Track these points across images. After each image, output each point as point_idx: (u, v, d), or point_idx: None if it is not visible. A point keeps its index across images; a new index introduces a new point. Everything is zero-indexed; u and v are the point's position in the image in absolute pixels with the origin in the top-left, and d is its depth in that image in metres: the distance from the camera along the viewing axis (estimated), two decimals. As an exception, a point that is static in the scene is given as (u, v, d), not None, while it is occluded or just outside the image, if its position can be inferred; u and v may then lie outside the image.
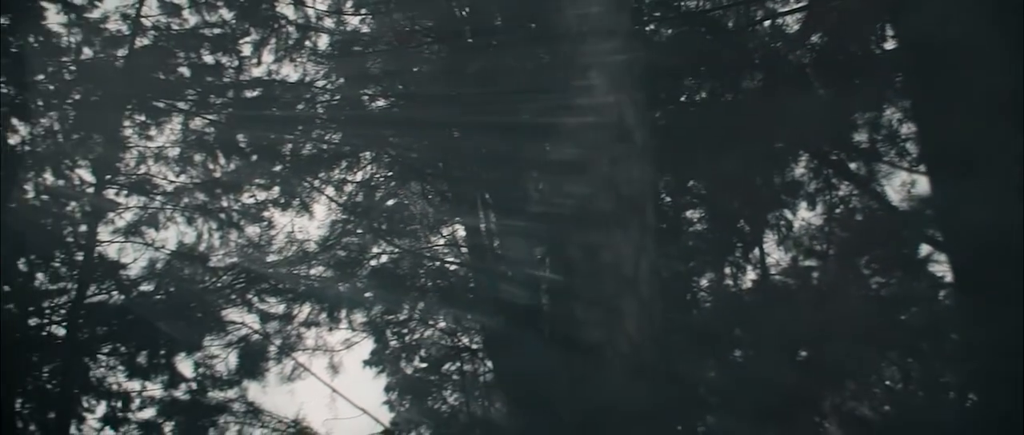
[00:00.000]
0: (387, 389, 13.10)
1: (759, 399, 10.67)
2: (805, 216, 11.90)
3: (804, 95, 11.00)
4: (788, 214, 11.78)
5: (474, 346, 12.71)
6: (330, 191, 12.41)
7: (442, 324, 12.82)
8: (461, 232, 12.80)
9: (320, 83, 12.26)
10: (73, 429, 12.05)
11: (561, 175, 12.39)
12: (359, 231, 12.55)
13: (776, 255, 11.99)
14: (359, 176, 12.41)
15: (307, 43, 12.41)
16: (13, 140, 12.61)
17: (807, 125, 10.66)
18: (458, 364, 12.75)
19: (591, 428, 10.21)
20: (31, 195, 12.54)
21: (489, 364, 12.75)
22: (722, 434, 11.28)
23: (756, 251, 12.31)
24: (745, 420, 10.72)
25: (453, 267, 12.67)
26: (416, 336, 12.98)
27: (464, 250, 12.89)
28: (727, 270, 12.15)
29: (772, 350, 10.99)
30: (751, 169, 11.50)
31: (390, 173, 12.48)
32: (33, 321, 12.49)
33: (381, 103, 12.57)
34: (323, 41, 12.45)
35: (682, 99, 12.09)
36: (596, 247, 11.37)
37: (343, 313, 12.44)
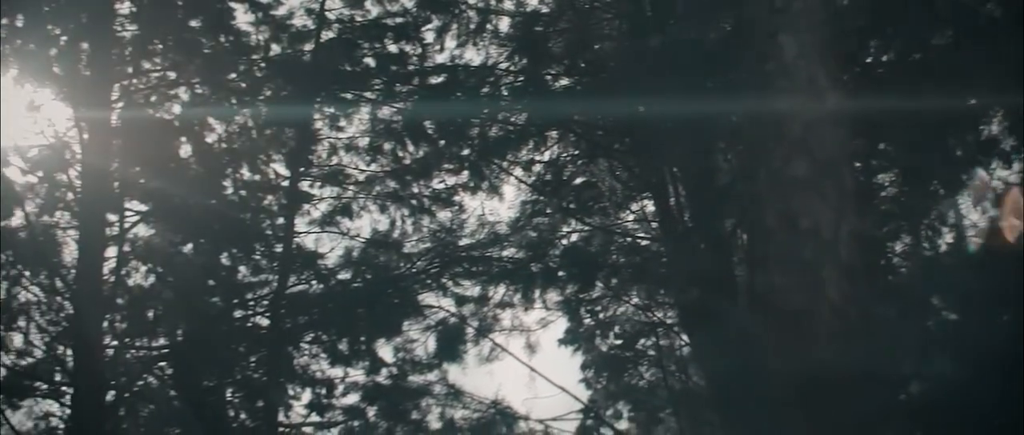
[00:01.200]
0: (583, 367, 13.05)
1: (962, 363, 10.80)
2: (1002, 175, 12.06)
3: (996, 49, 11.17)
4: (983, 173, 11.96)
5: (669, 320, 12.81)
6: (518, 172, 12.85)
7: (635, 300, 12.97)
8: (651, 207, 13.18)
9: (503, 65, 12.67)
10: (281, 416, 12.65)
11: (753, 142, 12.70)
12: (549, 211, 12.82)
13: (973, 216, 12.17)
14: (546, 155, 12.76)
15: (488, 26, 12.75)
16: (210, 138, 13.36)
17: (1000, 80, 10.83)
18: (653, 339, 12.84)
19: (799, 397, 10.37)
20: (230, 191, 13.24)
21: (685, 338, 13.14)
22: (928, 400, 11.41)
23: (952, 213, 12.48)
24: (951, 384, 10.84)
25: (645, 242, 12.84)
26: (610, 313, 13.07)
27: (655, 225, 13.27)
28: (922, 233, 12.34)
29: (974, 313, 11.12)
30: (944, 129, 11.70)
31: (577, 151, 12.77)
32: (238, 313, 13.07)
33: (565, 81, 12.80)
34: (504, 23, 12.85)
35: (869, 60, 12.36)
36: (794, 213, 11.60)
37: (537, 293, 12.63)
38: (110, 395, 12.16)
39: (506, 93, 12.63)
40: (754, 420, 11.37)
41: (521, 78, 12.57)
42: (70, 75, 12.47)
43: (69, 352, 12.29)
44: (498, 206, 12.79)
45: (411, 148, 12.67)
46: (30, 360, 12.41)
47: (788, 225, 11.91)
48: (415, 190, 12.78)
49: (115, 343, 12.40)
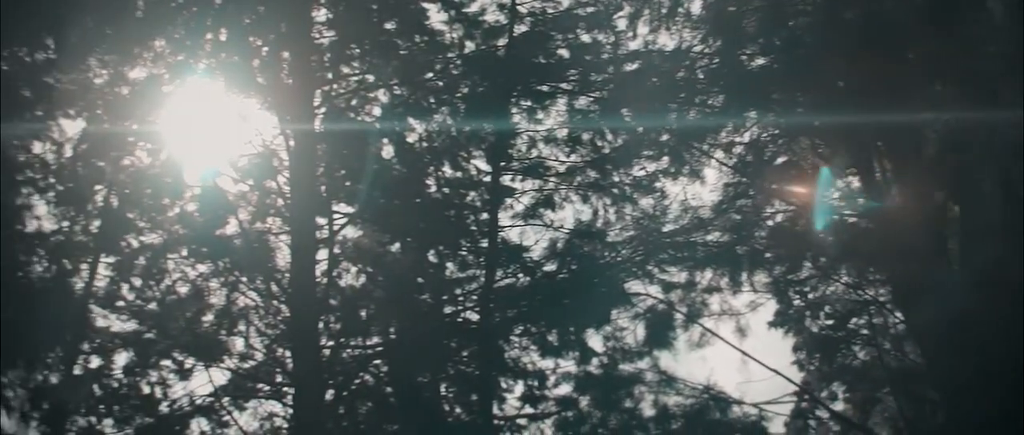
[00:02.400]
0: (795, 348, 13.02)
1: None
2: None
3: None
4: None
5: (881, 298, 12.72)
6: (719, 154, 13.02)
7: (845, 278, 12.86)
8: (856, 183, 13.04)
9: (697, 48, 12.85)
10: (495, 409, 12.87)
11: (964, 110, 12.61)
12: (752, 192, 12.91)
13: None
14: (746, 137, 12.89)
15: (680, 10, 12.99)
16: (411, 138, 13.88)
17: None
18: (866, 318, 12.72)
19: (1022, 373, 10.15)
20: (433, 189, 13.71)
21: (899, 315, 12.92)
22: None
23: None
24: None
25: (852, 219, 12.71)
26: (819, 293, 13.00)
27: (861, 200, 13.30)
28: None
29: None
30: None
31: (777, 130, 12.79)
32: (448, 309, 13.47)
33: (761, 60, 12.67)
34: (696, 5, 13.15)
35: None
36: (1011, 179, 11.44)
37: (744, 276, 12.77)
38: (329, 394, 12.74)
39: (702, 76, 12.78)
40: (976, 398, 11.37)
41: (716, 60, 12.69)
42: (273, 84, 13.17)
43: (288, 354, 12.93)
44: (700, 190, 13.05)
45: (609, 137, 13.03)
46: (252, 363, 13.16)
47: (1005, 191, 11.80)
48: (616, 178, 13.05)
49: (331, 343, 12.89)
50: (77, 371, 13.06)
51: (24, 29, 12.67)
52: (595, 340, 12.86)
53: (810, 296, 13.00)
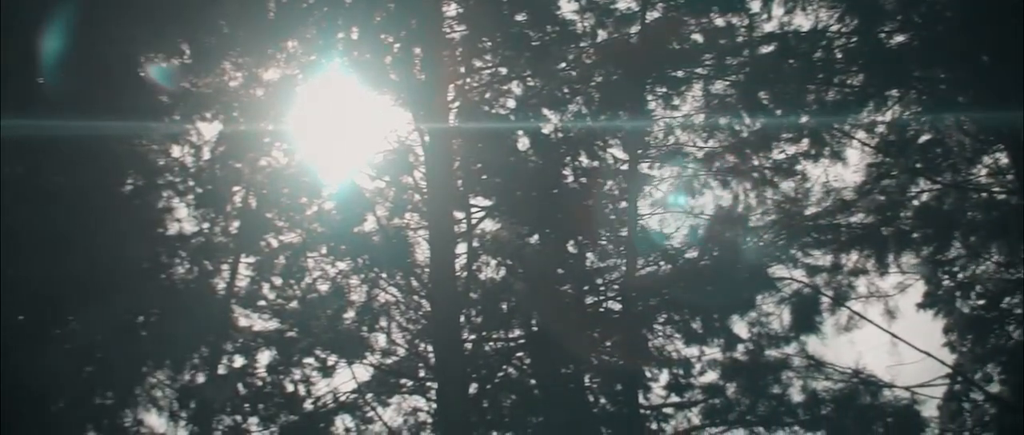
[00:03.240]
0: (946, 330, 13.63)
1: None
2: None
3: None
4: None
5: (1036, 276, 13.05)
6: (861, 135, 13.59)
7: (996, 257, 13.36)
8: (1004, 159, 13.21)
9: (834, 27, 13.26)
10: (641, 398, 13.72)
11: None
12: (895, 172, 13.49)
13: None
14: (888, 116, 13.36)
15: (817, -11, 13.49)
16: (546, 129, 15.29)
17: None
18: (1019, 297, 13.10)
19: None
20: (570, 179, 14.90)
21: (1056, 293, 13.07)
22: None
23: None
24: None
25: (1001, 196, 13.23)
26: (969, 272, 13.56)
27: (1011, 177, 13.25)
28: None
29: None
30: None
31: (920, 108, 13.24)
32: (590, 299, 14.13)
33: (900, 38, 13.11)
34: (833, -16, 13.47)
35: None
36: None
37: (891, 257, 13.38)
38: (472, 387, 13.64)
39: (840, 56, 13.27)
40: None
41: (854, 39, 13.16)
42: (406, 80, 14.14)
43: (430, 348, 14.02)
44: (842, 171, 13.68)
45: (747, 120, 13.70)
46: (394, 358, 14.39)
47: None
48: (755, 162, 13.86)
49: (473, 337, 13.88)
50: (222, 370, 14.36)
51: (161, 36, 14.55)
52: (740, 326, 13.63)
53: (960, 276, 13.57)
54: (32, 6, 11.71)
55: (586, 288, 14.11)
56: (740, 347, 13.72)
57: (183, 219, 14.13)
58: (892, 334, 13.44)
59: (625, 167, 14.20)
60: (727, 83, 14.09)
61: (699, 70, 14.21)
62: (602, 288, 14.20)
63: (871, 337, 13.58)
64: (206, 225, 14.57)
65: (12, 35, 11.63)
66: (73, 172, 12.31)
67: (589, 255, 14.14)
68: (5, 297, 11.50)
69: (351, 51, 14.46)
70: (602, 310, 14.20)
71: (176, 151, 14.38)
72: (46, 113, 11.83)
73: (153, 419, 13.78)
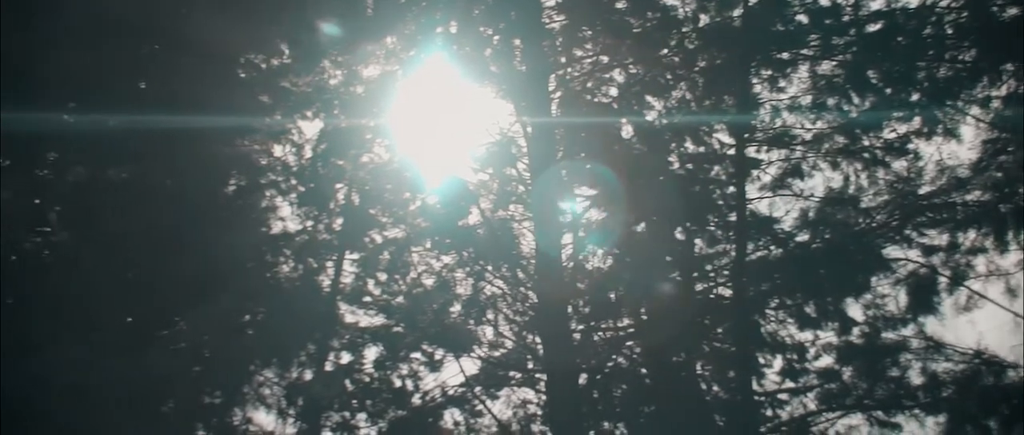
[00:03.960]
0: None
1: None
2: None
3: None
4: None
5: None
6: (975, 111, 14.21)
7: None
8: None
9: (944, 2, 14.21)
10: (754, 385, 14.45)
11: None
12: (1012, 148, 14.02)
13: None
14: (1003, 91, 14.00)
15: (924, -37, 13.80)
16: (650, 116, 16.28)
17: None
18: None
19: None
20: (676, 165, 15.55)
21: None
22: None
23: None
24: None
25: None
26: None
27: None
28: None
29: None
30: None
31: None
32: (700, 286, 14.93)
33: (1014, 10, 13.84)
34: (940, -43, 13.86)
35: None
36: None
37: (1010, 234, 14.00)
38: (582, 378, 14.69)
39: (950, 31, 14.08)
40: None
41: (965, 13, 14.03)
42: (507, 72, 15.37)
43: (538, 340, 15.11)
44: (956, 149, 14.32)
45: (856, 100, 14.42)
46: (503, 351, 15.46)
47: None
48: (866, 143, 14.59)
49: (581, 327, 14.89)
50: (329, 367, 15.62)
51: (260, 36, 16.12)
52: (855, 309, 14.27)
53: (1087, 250, 13.54)
54: (133, 10, 12.89)
55: (695, 275, 14.94)
56: (855, 330, 14.43)
57: (287, 218, 15.61)
58: (1014, 313, 14.10)
59: (731, 152, 14.99)
60: (834, 63, 14.73)
61: (805, 51, 14.87)
62: (712, 274, 15.05)
63: (992, 316, 14.11)
64: (310, 223, 16.00)
65: (115, 39, 12.93)
66: (177, 174, 13.65)
67: (697, 241, 14.93)
68: (114, 299, 12.83)
69: (451, 45, 15.74)
70: (712, 297, 15.01)
71: (278, 150, 15.88)
72: (150, 116, 13.10)
73: (262, 417, 15.19)
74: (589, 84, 15.65)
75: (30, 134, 13.06)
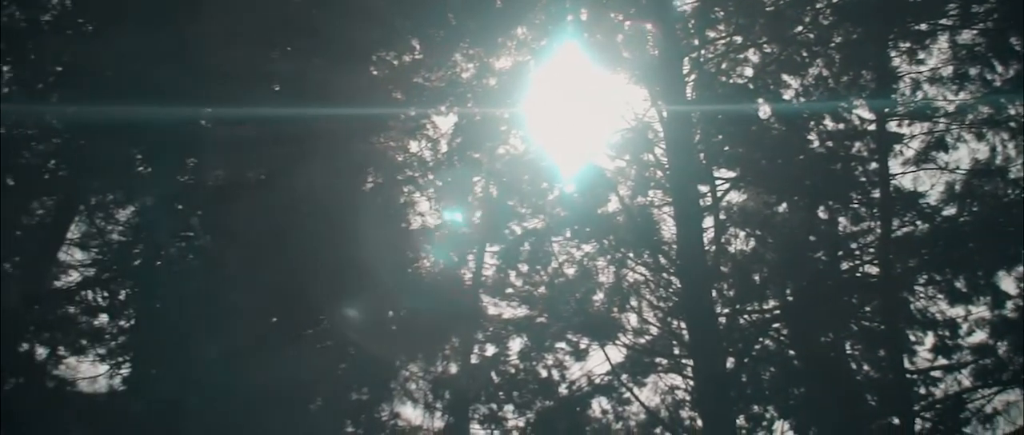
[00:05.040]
0: None
1: None
2: None
3: None
4: None
5: None
6: None
7: None
8: None
9: None
10: (906, 363, 16.02)
11: None
12: None
13: None
14: None
15: (1067, -78, 14.43)
16: (787, 95, 17.33)
17: None
18: None
19: None
20: (816, 144, 16.55)
21: None
22: None
23: None
24: None
25: None
26: None
27: None
28: None
29: None
30: None
31: None
32: (845, 264, 16.41)
33: None
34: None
35: None
36: None
37: None
38: (729, 362, 16.17)
39: None
40: None
41: None
42: (639, 57, 16.95)
43: (683, 325, 16.69)
44: None
45: (1000, 69, 15.86)
46: (647, 338, 17.17)
47: None
48: (1012, 112, 15.88)
49: (726, 311, 16.43)
50: (474, 360, 17.53)
51: (391, 34, 17.73)
52: (1007, 282, 15.52)
53: None
54: (265, 14, 14.67)
55: (840, 253, 16.41)
56: (1009, 304, 15.78)
57: (425, 213, 17.31)
58: None
59: (872, 127, 16.47)
60: (975, 32, 16.13)
61: (944, 21, 16.33)
62: (857, 252, 16.51)
63: None
64: (449, 216, 17.86)
65: (249, 43, 14.51)
66: (315, 174, 15.10)
67: (841, 220, 16.38)
68: (258, 300, 14.36)
69: (582, 33, 17.51)
70: (858, 275, 16.45)
71: (414, 146, 17.56)
72: (286, 117, 14.81)
73: (409, 412, 16.93)
74: (723, 65, 17.22)
75: (170, 140, 14.79)
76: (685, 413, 17.52)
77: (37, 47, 14.61)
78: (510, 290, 18.12)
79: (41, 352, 14.96)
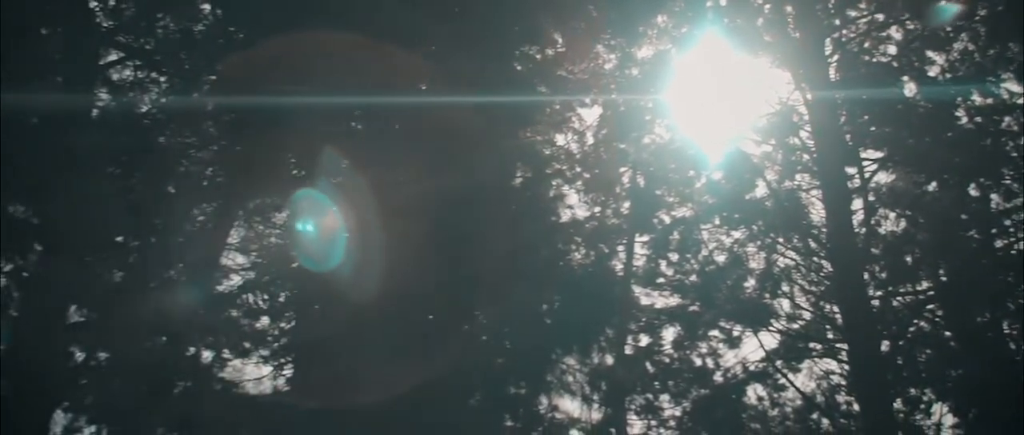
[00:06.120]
0: None
1: None
2: None
3: None
4: None
5: None
6: None
7: None
8: None
9: None
10: None
11: None
12: None
13: None
14: None
15: None
16: (932, 71, 18.24)
17: None
18: None
19: None
20: (964, 120, 18.12)
21: None
22: None
23: None
24: None
25: None
26: None
27: None
28: None
29: None
30: None
31: None
32: (999, 242, 18.12)
33: None
34: None
35: None
36: None
37: None
38: (884, 345, 17.73)
39: None
40: None
41: None
42: (781, 40, 18.69)
43: (836, 309, 18.37)
44: None
45: None
46: (801, 323, 18.92)
47: None
48: None
49: (879, 293, 17.93)
50: (628, 350, 19.54)
51: (533, 29, 18.73)
52: None
53: None
54: (408, 15, 16.63)
55: (994, 231, 17.71)
56: None
57: (574, 205, 19.37)
58: None
59: (1022, 101, 17.68)
60: None
61: None
62: (1011, 229, 17.80)
63: None
64: (597, 209, 19.88)
65: (392, 45, 16.46)
66: (464, 171, 17.18)
67: (993, 196, 17.72)
68: (413, 298, 16.31)
69: (722, 18, 19.45)
70: (1014, 252, 17.68)
71: (560, 139, 19.80)
72: (431, 116, 16.87)
73: (566, 404, 18.78)
74: (866, 44, 18.87)
75: (321, 142, 16.74)
76: (841, 398, 19.01)
77: (191, 57, 16.82)
78: (661, 280, 20.26)
79: (207, 355, 17.28)
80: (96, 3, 16.25)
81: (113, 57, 16.46)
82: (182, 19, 16.61)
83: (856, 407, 18.51)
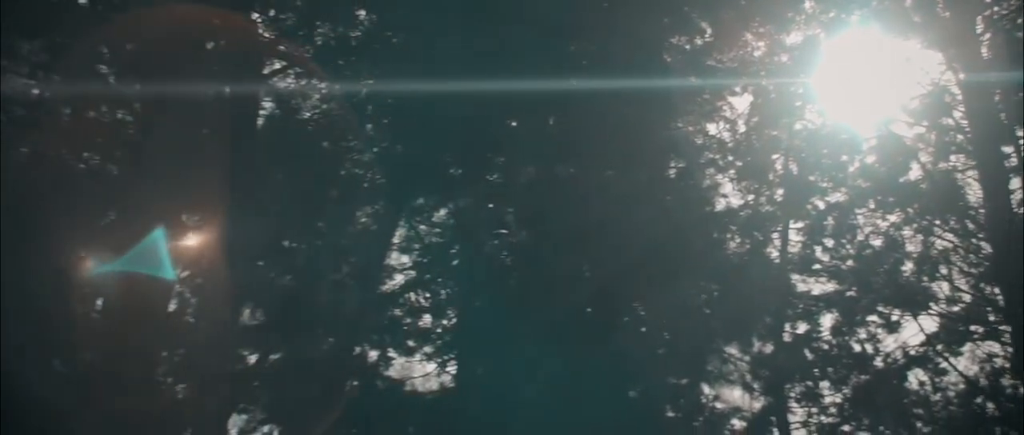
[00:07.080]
0: None
1: None
2: None
3: None
4: None
5: None
6: None
7: None
8: None
9: None
10: None
11: None
12: None
13: None
14: None
15: None
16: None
17: None
18: None
19: None
20: None
21: None
22: None
23: None
24: None
25: None
26: None
27: None
28: None
29: None
30: None
31: None
32: None
33: None
34: None
35: None
36: None
37: None
38: None
39: None
40: None
41: None
42: (931, 20, 20.07)
43: (997, 291, 19.53)
44: None
45: None
46: (961, 306, 20.18)
47: None
48: None
49: None
50: (787, 338, 21.07)
51: (682, 20, 20.82)
52: None
53: None
54: (558, 11, 18.16)
55: None
56: None
57: (729, 194, 20.89)
58: None
59: None
60: None
61: None
62: None
63: None
64: (751, 197, 21.46)
65: (546, 41, 18.25)
66: (619, 164, 19.17)
67: None
68: (574, 293, 17.97)
69: (870, 1, 20.96)
70: None
71: (712, 128, 21.34)
72: (586, 110, 18.56)
73: (727, 393, 20.52)
74: (1019, 21, 19.90)
75: (479, 141, 18.70)
76: (1006, 381, 19.99)
77: (349, 64, 18.73)
78: (817, 266, 21.54)
79: (372, 354, 19.11)
80: (258, 16, 17.91)
81: (276, 66, 18.00)
82: (340, 26, 18.61)
83: (1022, 391, 19.46)
